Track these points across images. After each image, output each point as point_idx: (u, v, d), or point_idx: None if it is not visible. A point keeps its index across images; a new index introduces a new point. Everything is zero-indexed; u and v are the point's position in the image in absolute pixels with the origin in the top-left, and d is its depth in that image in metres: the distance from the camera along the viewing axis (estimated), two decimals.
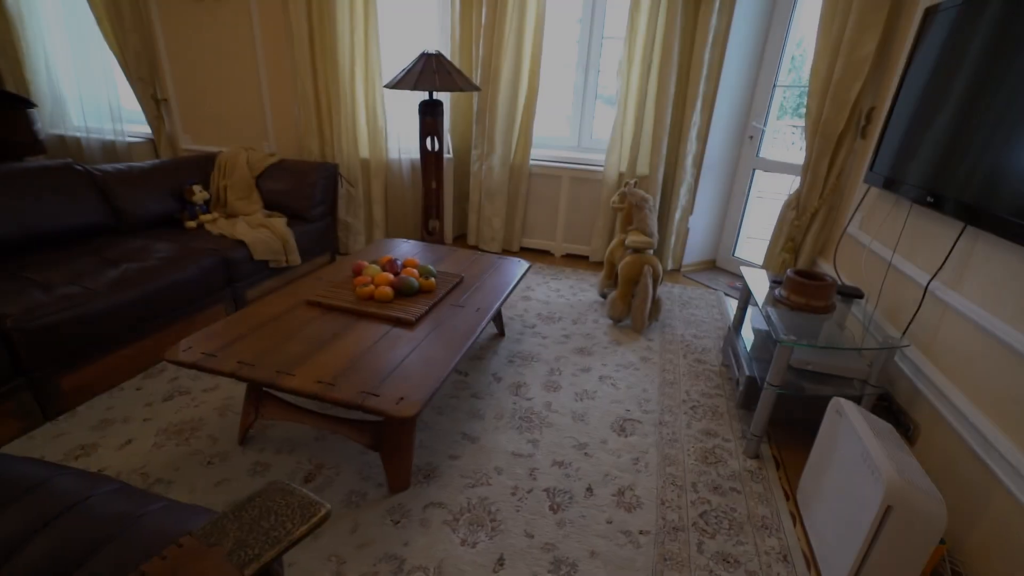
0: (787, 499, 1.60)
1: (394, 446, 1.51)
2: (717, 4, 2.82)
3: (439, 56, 2.95)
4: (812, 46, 2.44)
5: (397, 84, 2.87)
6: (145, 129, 3.74)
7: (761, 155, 3.25)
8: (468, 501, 1.52)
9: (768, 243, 2.85)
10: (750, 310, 2.22)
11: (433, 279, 1.95)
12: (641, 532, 1.45)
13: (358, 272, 2.00)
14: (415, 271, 1.97)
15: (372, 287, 1.83)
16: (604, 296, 2.98)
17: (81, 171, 2.44)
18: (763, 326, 2.13)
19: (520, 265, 2.35)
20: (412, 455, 1.56)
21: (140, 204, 2.59)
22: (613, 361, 2.32)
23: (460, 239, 3.92)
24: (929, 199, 1.62)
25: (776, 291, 1.91)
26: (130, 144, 3.79)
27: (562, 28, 3.41)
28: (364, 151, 3.38)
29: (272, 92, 3.38)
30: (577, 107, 3.63)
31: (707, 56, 2.94)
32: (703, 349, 2.49)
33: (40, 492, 0.98)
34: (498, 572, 1.31)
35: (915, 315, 1.68)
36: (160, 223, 2.70)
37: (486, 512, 1.48)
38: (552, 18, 3.23)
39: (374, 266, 1.96)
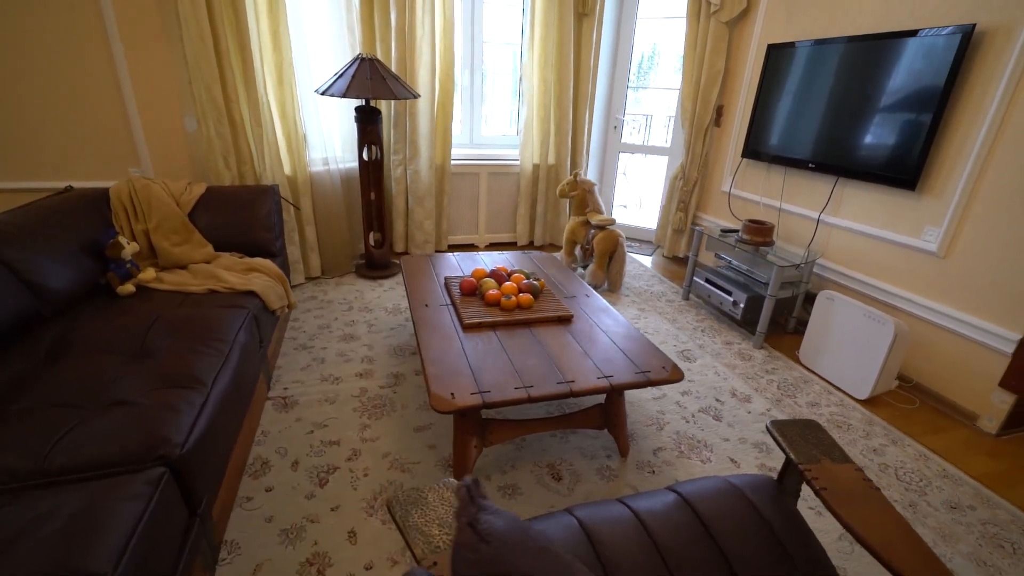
0: (796, 363, 2.51)
1: (619, 419, 1.78)
2: (596, 18, 3.51)
3: (378, 61, 2.83)
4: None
5: (347, 92, 2.65)
6: None
7: (623, 140, 4.20)
8: (671, 439, 1.91)
9: (662, 207, 3.82)
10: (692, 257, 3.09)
11: (540, 280, 2.13)
12: (768, 410, 2.12)
13: (470, 291, 2.02)
14: (520, 275, 2.11)
15: (514, 299, 1.92)
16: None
17: None
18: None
19: (554, 258, 2.65)
20: (626, 421, 1.85)
21: (54, 274, 1.79)
22: (627, 317, 2.89)
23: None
24: (811, 165, 2.69)
25: (737, 235, 2.79)
26: None
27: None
28: (287, 167, 2.92)
29: (144, 104, 2.55)
30: (467, 106, 3.89)
31: (592, 61, 3.63)
32: (661, 292, 3.29)
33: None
34: (734, 469, 1.79)
35: (814, 236, 2.79)
36: (86, 295, 1.93)
37: (688, 439, 1.91)
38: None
39: (489, 280, 2.02)
